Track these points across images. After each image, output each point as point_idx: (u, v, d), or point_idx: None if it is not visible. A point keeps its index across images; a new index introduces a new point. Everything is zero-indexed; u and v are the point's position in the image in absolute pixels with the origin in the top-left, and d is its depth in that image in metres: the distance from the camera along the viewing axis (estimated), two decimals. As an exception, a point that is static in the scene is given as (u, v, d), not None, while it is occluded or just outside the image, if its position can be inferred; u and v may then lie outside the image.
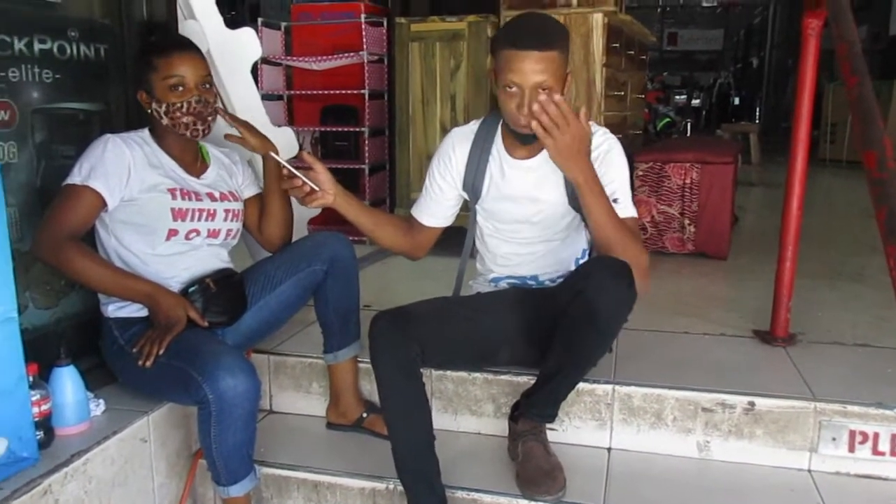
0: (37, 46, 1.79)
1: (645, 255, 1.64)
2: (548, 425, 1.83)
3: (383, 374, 1.61)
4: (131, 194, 1.70)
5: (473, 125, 1.87)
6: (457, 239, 2.02)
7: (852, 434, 1.76)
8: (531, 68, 1.58)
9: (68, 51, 1.88)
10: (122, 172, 1.68)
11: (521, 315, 1.81)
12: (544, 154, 1.76)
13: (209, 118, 1.77)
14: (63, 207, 1.64)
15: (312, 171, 1.71)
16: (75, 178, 1.65)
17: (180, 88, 1.71)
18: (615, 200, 1.68)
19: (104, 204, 1.67)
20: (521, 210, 1.81)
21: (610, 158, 1.73)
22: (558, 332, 1.63)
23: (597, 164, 1.70)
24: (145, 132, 1.81)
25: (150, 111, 1.76)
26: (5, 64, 1.72)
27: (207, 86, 1.76)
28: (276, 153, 1.91)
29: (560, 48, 1.61)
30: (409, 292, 1.96)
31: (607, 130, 1.79)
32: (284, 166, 1.70)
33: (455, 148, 1.85)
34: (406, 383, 1.62)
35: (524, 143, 1.73)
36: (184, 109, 1.72)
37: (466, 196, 1.88)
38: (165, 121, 1.74)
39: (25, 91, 1.77)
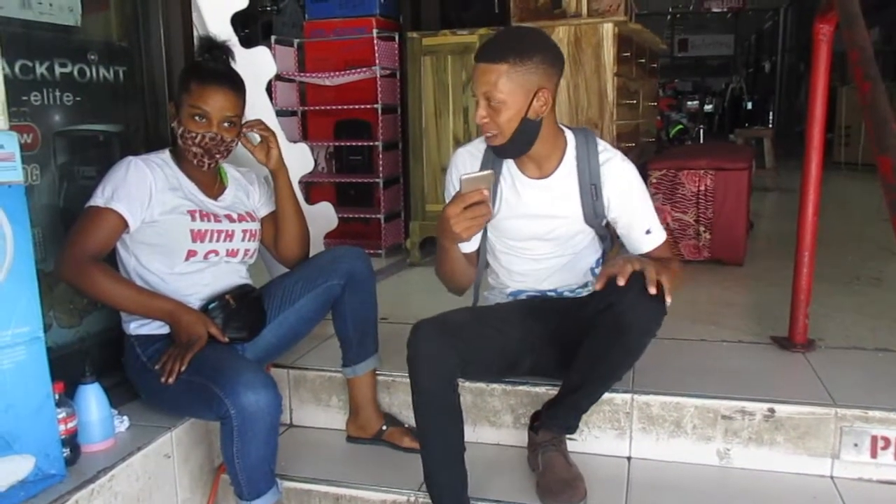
0: (58, 70, 1.83)
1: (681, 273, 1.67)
2: (567, 436, 1.83)
3: (423, 382, 1.58)
4: (152, 216, 1.73)
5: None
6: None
7: (874, 439, 1.75)
8: (479, 79, 1.62)
9: (88, 74, 1.92)
10: (144, 195, 1.71)
11: (544, 325, 1.81)
12: (559, 172, 1.76)
13: (218, 155, 1.79)
14: (86, 229, 1.66)
15: None
16: (98, 199, 1.68)
17: (203, 120, 1.74)
18: (648, 232, 1.71)
19: (126, 226, 1.70)
20: (535, 227, 1.81)
21: (631, 190, 1.75)
22: (585, 345, 1.63)
23: (620, 193, 1.74)
24: (166, 153, 1.84)
25: (172, 125, 1.80)
26: (28, 88, 1.76)
27: (230, 124, 1.77)
28: (287, 172, 1.92)
29: (512, 61, 1.58)
30: (425, 305, 1.97)
31: (617, 152, 1.79)
32: (490, 191, 1.59)
33: (466, 166, 1.83)
34: (445, 394, 1.60)
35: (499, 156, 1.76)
36: (196, 140, 1.75)
37: None
38: (179, 141, 1.77)
39: (47, 114, 1.81)
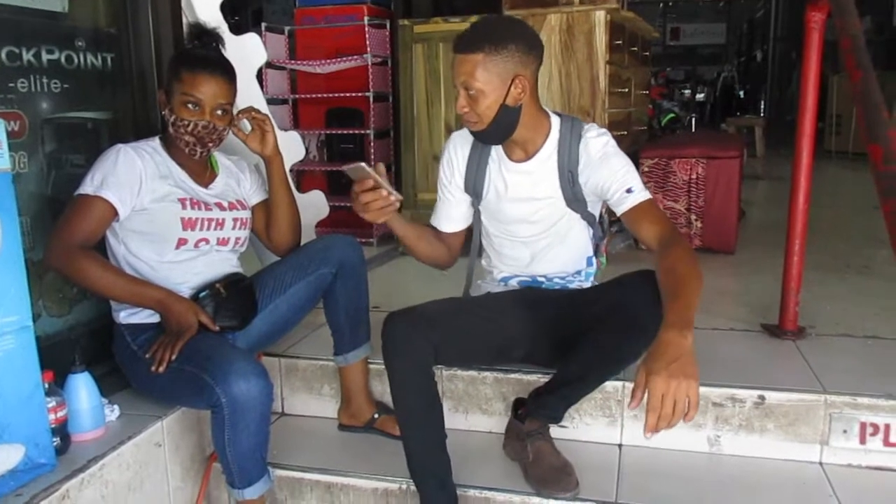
0: (45, 57, 1.81)
1: (694, 255, 1.57)
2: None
3: (397, 372, 1.62)
4: (142, 204, 1.71)
5: None
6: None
7: (863, 426, 1.76)
8: (456, 70, 1.65)
9: (76, 60, 1.90)
10: (134, 183, 1.70)
11: (540, 314, 1.81)
12: (540, 156, 1.78)
13: (210, 143, 1.78)
14: (75, 217, 1.65)
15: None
16: (87, 188, 1.67)
17: (195, 108, 1.73)
18: (629, 190, 1.67)
19: (116, 214, 1.69)
20: (520, 210, 1.82)
21: (607, 153, 1.73)
22: (591, 339, 1.64)
23: (595, 165, 1.72)
24: (155, 141, 1.82)
25: (163, 113, 1.78)
26: (14, 75, 1.74)
27: (222, 112, 1.76)
28: (281, 159, 1.92)
29: (487, 51, 1.60)
30: (417, 293, 1.97)
31: (593, 127, 1.78)
32: (375, 178, 1.59)
33: (456, 151, 1.87)
34: (419, 382, 1.63)
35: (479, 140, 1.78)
36: (189, 129, 1.73)
37: (469, 197, 1.89)
38: (171, 129, 1.76)
39: (35, 101, 1.80)
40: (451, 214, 1.91)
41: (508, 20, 1.74)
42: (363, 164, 1.58)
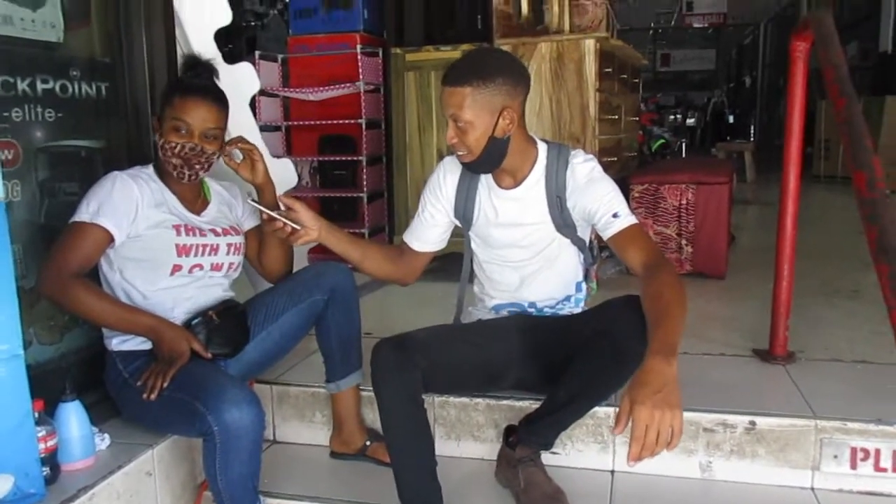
0: (39, 86, 1.83)
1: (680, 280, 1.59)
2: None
3: (386, 400, 1.63)
4: (137, 231, 1.72)
5: None
6: (455, 265, 2.04)
7: (854, 451, 1.76)
8: (445, 102, 1.68)
9: (70, 90, 1.92)
10: (130, 210, 1.71)
11: (528, 341, 1.82)
12: (527, 182, 1.81)
13: (197, 166, 1.78)
14: (70, 244, 1.66)
15: (292, 210, 1.74)
16: (83, 215, 1.67)
17: (183, 131, 1.74)
18: (615, 215, 1.69)
19: (112, 241, 1.69)
20: (510, 235, 1.84)
21: (593, 178, 1.75)
22: (577, 366, 1.65)
23: (582, 190, 1.74)
24: (149, 169, 1.84)
25: (155, 138, 1.80)
26: (9, 104, 1.75)
27: (211, 137, 1.78)
28: (273, 187, 1.93)
29: (475, 84, 1.63)
30: (409, 319, 1.97)
31: (579, 153, 1.80)
32: (263, 211, 1.75)
33: (446, 177, 1.90)
34: (408, 409, 1.63)
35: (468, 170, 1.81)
36: (176, 150, 1.75)
37: (458, 223, 1.91)
38: (160, 153, 1.77)
39: (28, 130, 1.81)
40: (427, 235, 1.93)
41: (496, 53, 1.78)
42: (251, 200, 1.79)
